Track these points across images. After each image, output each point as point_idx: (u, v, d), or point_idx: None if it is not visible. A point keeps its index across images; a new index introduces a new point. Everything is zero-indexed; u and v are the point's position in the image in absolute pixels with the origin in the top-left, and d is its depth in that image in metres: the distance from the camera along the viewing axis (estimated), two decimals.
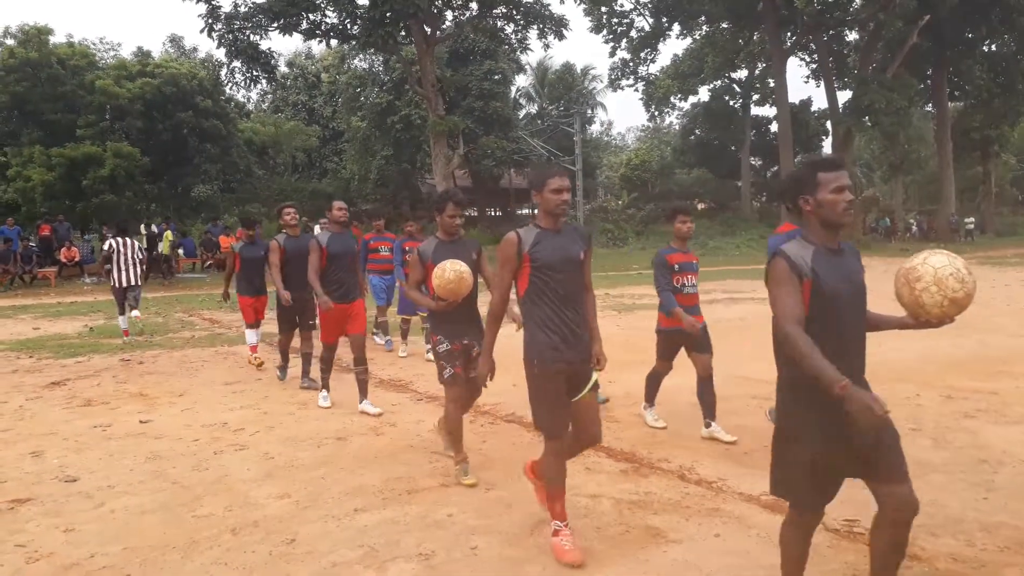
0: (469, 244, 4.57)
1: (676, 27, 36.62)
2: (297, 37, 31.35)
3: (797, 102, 37.47)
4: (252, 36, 25.45)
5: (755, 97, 39.16)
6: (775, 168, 38.68)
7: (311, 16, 25.28)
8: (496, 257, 3.40)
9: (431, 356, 7.94)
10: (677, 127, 46.61)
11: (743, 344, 7.85)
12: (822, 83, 34.27)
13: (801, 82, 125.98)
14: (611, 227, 32.80)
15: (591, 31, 36.37)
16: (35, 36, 25.37)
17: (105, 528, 3.75)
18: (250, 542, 3.54)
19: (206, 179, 29.76)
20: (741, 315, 11.28)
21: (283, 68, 39.01)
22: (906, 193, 49.84)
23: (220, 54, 28.85)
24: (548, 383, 3.28)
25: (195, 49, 42.64)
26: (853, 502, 3.15)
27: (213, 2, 24.29)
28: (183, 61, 32.86)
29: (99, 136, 25.16)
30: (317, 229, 14.38)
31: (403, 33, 26.21)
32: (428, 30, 25.92)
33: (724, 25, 35.06)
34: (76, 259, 21.38)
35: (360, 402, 6.04)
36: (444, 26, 27.28)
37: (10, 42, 26.24)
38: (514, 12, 26.26)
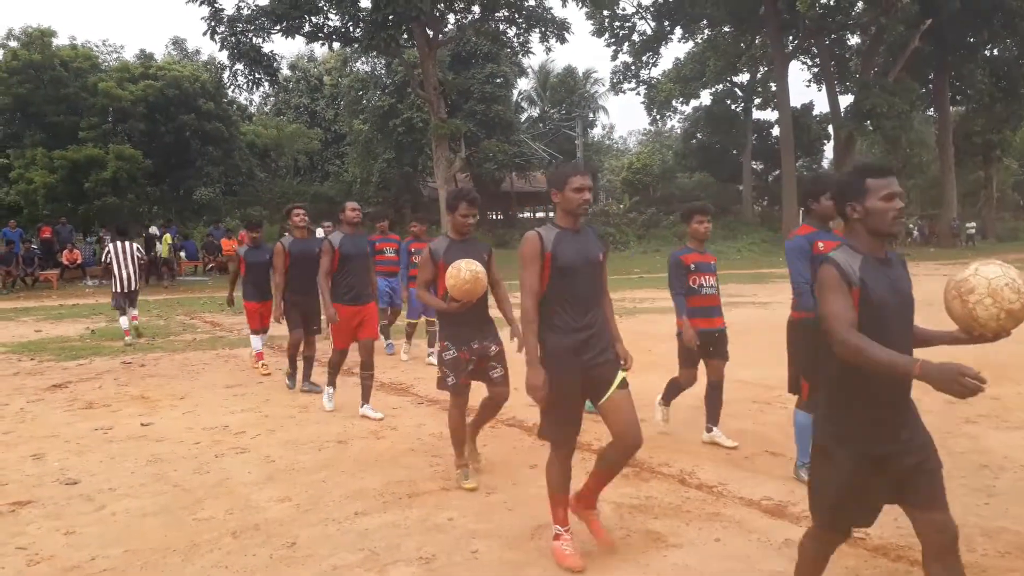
0: (480, 245, 4.42)
1: (678, 31, 36.77)
2: (299, 40, 31.48)
3: (799, 106, 37.50)
4: (255, 39, 25.52)
5: (757, 101, 39.14)
6: (776, 172, 38.73)
7: (314, 19, 25.37)
8: (518, 258, 3.23)
9: (432, 360, 8.01)
10: (679, 131, 46.63)
11: (744, 348, 7.80)
12: (824, 87, 34.42)
13: (803, 86, 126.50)
14: (612, 231, 32.80)
15: (593, 34, 36.59)
16: (38, 38, 25.45)
17: (106, 531, 3.75)
18: (251, 545, 3.55)
19: (208, 182, 29.85)
20: (742, 319, 11.26)
21: (285, 71, 39.15)
22: (908, 197, 49.54)
23: (223, 57, 29.11)
24: (561, 387, 3.17)
25: (198, 52, 43.02)
26: None
27: (216, 4, 24.38)
28: (186, 64, 32.93)
29: (101, 138, 25.24)
30: (320, 232, 14.38)
31: (405, 36, 26.30)
32: (430, 33, 25.98)
33: (726, 29, 35.15)
34: (78, 261, 21.42)
35: (361, 406, 5.98)
36: (446, 29, 27.37)
37: (13, 44, 26.26)
38: (516, 15, 26.35)
